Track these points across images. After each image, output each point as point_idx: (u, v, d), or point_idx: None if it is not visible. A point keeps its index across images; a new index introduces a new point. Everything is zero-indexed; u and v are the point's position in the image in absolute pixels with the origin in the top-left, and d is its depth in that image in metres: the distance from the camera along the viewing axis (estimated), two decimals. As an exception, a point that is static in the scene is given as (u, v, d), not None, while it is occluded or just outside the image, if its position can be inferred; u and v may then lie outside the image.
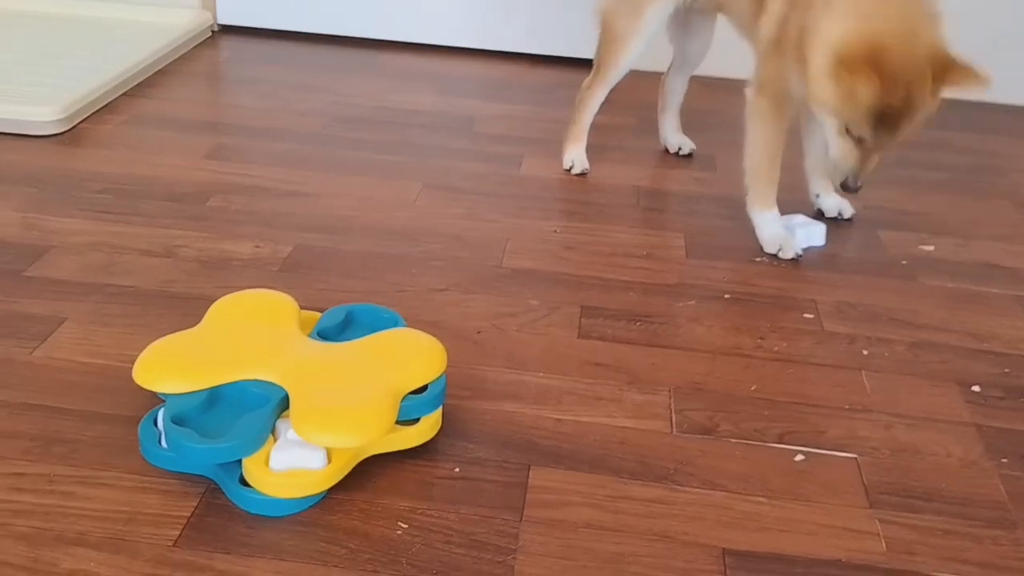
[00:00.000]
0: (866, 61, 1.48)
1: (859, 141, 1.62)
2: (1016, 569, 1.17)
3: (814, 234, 1.89)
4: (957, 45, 2.78)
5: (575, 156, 2.18)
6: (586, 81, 2.15)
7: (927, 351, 1.60)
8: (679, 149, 2.31)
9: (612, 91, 2.69)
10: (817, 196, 2.02)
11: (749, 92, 1.86)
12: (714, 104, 2.51)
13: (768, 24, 1.81)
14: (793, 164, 1.97)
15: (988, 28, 2.74)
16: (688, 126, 2.34)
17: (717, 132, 2.40)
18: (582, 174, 2.17)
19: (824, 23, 1.58)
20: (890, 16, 1.55)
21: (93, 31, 2.74)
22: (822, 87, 1.59)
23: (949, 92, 1.55)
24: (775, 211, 1.87)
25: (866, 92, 1.50)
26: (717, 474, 1.29)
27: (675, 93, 2.28)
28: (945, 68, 1.53)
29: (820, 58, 1.57)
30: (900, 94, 1.52)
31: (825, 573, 1.15)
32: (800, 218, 1.91)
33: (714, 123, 2.46)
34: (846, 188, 1.69)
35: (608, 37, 2.07)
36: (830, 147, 1.69)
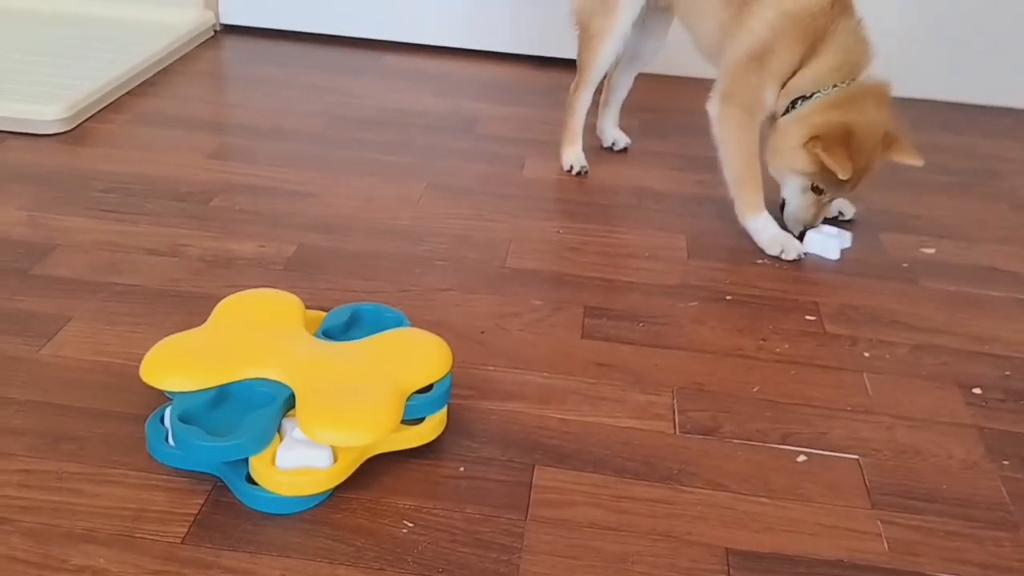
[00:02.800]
0: (842, 143, 1.76)
1: (820, 195, 1.87)
2: (1018, 570, 1.18)
3: (845, 239, 1.93)
4: (959, 51, 2.80)
5: (573, 157, 2.20)
6: (572, 84, 2.18)
7: (928, 353, 1.61)
8: (613, 144, 2.34)
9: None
10: None
11: (714, 106, 1.94)
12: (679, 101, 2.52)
13: (747, 40, 1.86)
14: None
15: (989, 32, 2.76)
16: (689, 128, 2.35)
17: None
18: (581, 173, 2.18)
19: (804, 109, 1.84)
20: (854, 108, 1.81)
21: (96, 30, 2.75)
22: (798, 157, 1.83)
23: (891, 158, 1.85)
24: (766, 214, 1.89)
25: (840, 166, 1.75)
26: (720, 474, 1.30)
27: (619, 89, 2.31)
28: (890, 143, 1.83)
29: (798, 137, 1.82)
30: (862, 163, 1.79)
31: (827, 573, 1.16)
32: (830, 229, 1.94)
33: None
34: (805, 230, 1.91)
35: (585, 38, 2.11)
36: (792, 202, 1.91)
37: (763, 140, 1.94)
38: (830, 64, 1.82)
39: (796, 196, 1.89)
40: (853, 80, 1.82)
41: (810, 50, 1.83)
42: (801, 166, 1.83)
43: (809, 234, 1.89)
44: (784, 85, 1.86)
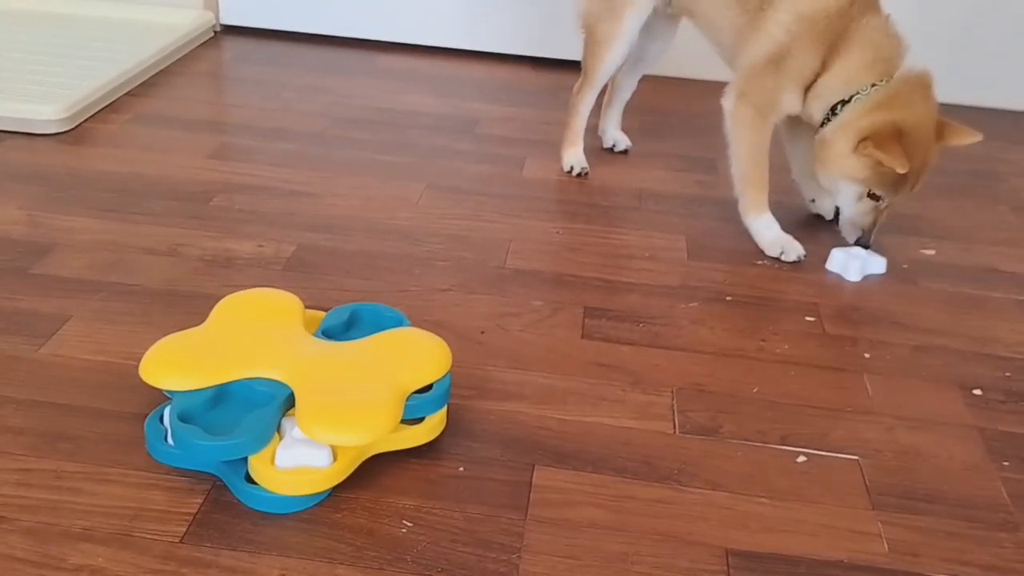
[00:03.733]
0: (894, 139, 1.72)
1: (878, 201, 1.81)
2: (1019, 571, 1.18)
3: (872, 264, 1.86)
4: (959, 53, 2.80)
5: (574, 159, 2.20)
6: (576, 86, 2.18)
7: (929, 354, 1.60)
8: (614, 145, 2.33)
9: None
10: (812, 201, 2.04)
11: (728, 101, 1.91)
12: (714, 107, 2.51)
13: (764, 44, 1.85)
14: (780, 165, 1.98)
15: (990, 35, 2.76)
16: (689, 129, 2.36)
17: (718, 136, 2.40)
18: (582, 174, 2.18)
19: (847, 115, 1.79)
20: (900, 104, 1.77)
21: (96, 30, 2.74)
22: (850, 164, 1.79)
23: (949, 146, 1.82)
24: (769, 215, 1.89)
25: (897, 162, 1.70)
26: (720, 475, 1.30)
27: (623, 90, 2.31)
28: (943, 131, 1.80)
29: (847, 143, 1.78)
30: (918, 160, 1.75)
31: (827, 574, 1.16)
32: (858, 251, 1.87)
33: (715, 127, 2.46)
34: (860, 244, 1.86)
35: (591, 41, 2.11)
36: (849, 210, 1.85)
37: (797, 142, 1.94)
38: (858, 63, 1.78)
39: (851, 203, 1.84)
40: (890, 77, 1.78)
41: (832, 52, 1.79)
42: (855, 172, 1.79)
43: (834, 251, 1.85)
44: (808, 89, 1.83)
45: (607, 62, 2.10)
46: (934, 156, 1.79)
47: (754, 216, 1.90)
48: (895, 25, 1.81)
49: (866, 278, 1.83)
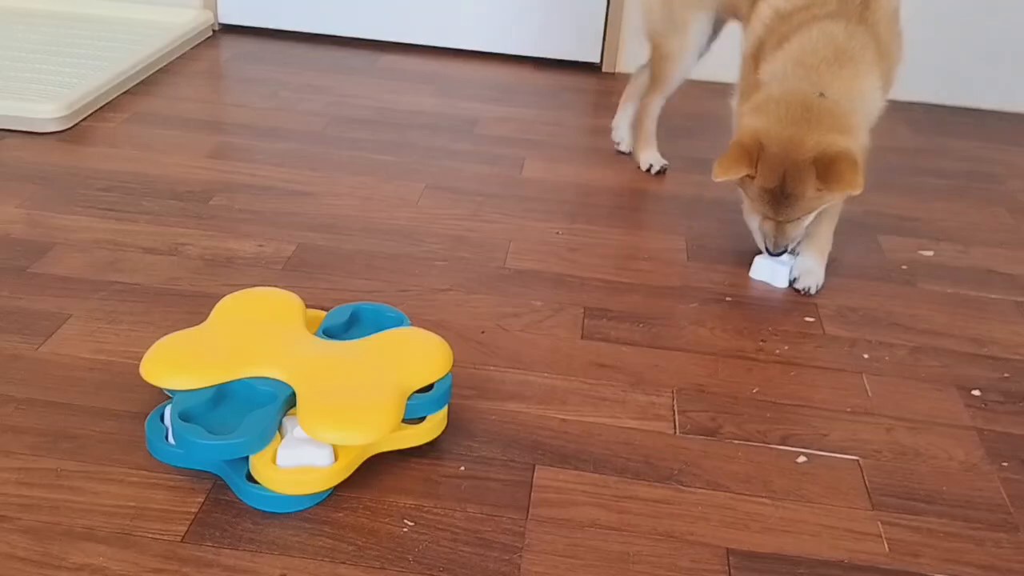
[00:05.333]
0: (747, 152, 1.64)
1: (764, 215, 1.72)
2: (1018, 572, 1.18)
3: (778, 275, 1.79)
4: (958, 55, 2.81)
5: (651, 158, 2.23)
6: (646, 90, 2.20)
7: (928, 355, 1.61)
8: (619, 143, 2.34)
9: (612, 96, 2.71)
10: None
11: (733, 99, 1.91)
12: (714, 108, 2.52)
13: (750, 38, 1.86)
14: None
15: (989, 38, 2.76)
16: (690, 131, 2.36)
17: (718, 137, 2.41)
18: (661, 172, 2.21)
19: (743, 106, 1.72)
20: (782, 121, 1.63)
21: (95, 29, 2.74)
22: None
23: (833, 190, 1.63)
24: None
25: (720, 165, 1.65)
26: (720, 475, 1.30)
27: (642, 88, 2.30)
28: (827, 167, 1.60)
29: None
30: (771, 180, 1.63)
31: (828, 574, 1.16)
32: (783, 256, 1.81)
33: (714, 128, 2.47)
34: (768, 252, 1.76)
35: (659, 55, 2.13)
36: (752, 221, 1.79)
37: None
38: (783, 60, 1.70)
39: (750, 214, 1.78)
40: (812, 88, 1.65)
41: (781, 41, 1.73)
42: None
43: (758, 260, 1.80)
44: None
45: (675, 74, 2.13)
46: (806, 190, 1.63)
47: (754, 216, 1.89)
48: (859, 41, 1.67)
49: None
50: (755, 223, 1.77)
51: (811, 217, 1.72)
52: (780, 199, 1.65)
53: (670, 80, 2.14)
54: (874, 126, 1.73)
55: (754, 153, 1.63)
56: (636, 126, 2.25)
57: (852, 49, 1.66)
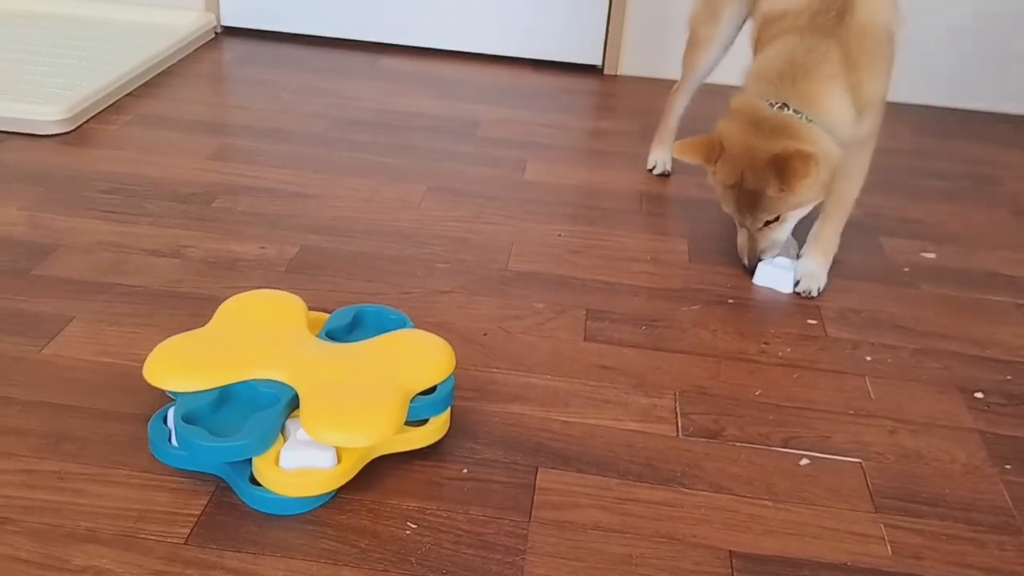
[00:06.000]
0: (706, 148, 1.72)
1: (734, 219, 1.76)
2: (1020, 575, 1.18)
3: (783, 280, 1.79)
4: (960, 58, 2.80)
5: (657, 157, 2.24)
6: (675, 86, 2.21)
7: (930, 357, 1.61)
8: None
9: (614, 98, 2.72)
10: None
11: None
12: (719, 111, 2.52)
13: (752, 38, 1.87)
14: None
15: (991, 41, 2.76)
16: (690, 132, 2.34)
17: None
18: (663, 175, 2.22)
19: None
20: (744, 130, 1.69)
21: (97, 32, 2.75)
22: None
23: (791, 187, 1.65)
24: None
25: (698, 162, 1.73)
26: (723, 477, 1.30)
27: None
28: (783, 165, 1.63)
29: None
30: (733, 178, 1.69)
31: (831, 576, 1.16)
32: (783, 261, 1.81)
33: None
34: (744, 265, 1.80)
35: (691, 42, 2.14)
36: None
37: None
38: (754, 71, 1.74)
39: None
40: (779, 99, 1.67)
41: (756, 54, 1.79)
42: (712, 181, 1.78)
43: (761, 266, 1.79)
44: None
45: (702, 62, 2.13)
46: (765, 188, 1.66)
47: None
48: (830, 60, 1.66)
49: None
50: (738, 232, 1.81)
51: (783, 228, 1.74)
52: (742, 199, 1.70)
53: (696, 68, 2.14)
54: (857, 137, 1.72)
55: (716, 150, 1.70)
56: (662, 122, 2.25)
57: (808, 63, 1.67)
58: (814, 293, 1.76)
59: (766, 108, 1.67)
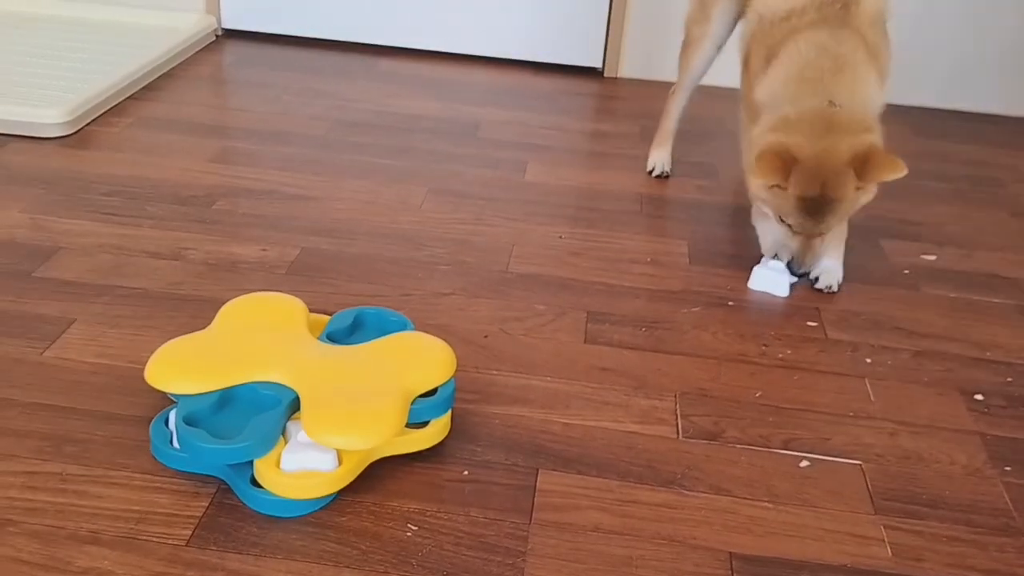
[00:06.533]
0: (779, 163, 1.62)
1: (791, 228, 1.70)
2: None
3: (780, 284, 1.78)
4: (961, 60, 2.81)
5: (656, 159, 2.24)
6: (672, 88, 2.21)
7: (930, 360, 1.61)
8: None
9: (614, 100, 2.73)
10: None
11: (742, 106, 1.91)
12: (716, 113, 2.53)
13: (742, 38, 1.87)
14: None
15: (990, 42, 2.76)
16: (690, 134, 2.36)
17: (719, 141, 2.42)
18: (662, 176, 2.22)
19: (755, 130, 1.71)
20: (810, 136, 1.63)
21: (98, 34, 2.75)
22: (750, 181, 1.72)
23: (875, 182, 1.65)
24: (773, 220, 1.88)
25: (777, 187, 1.64)
26: (723, 479, 1.30)
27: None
28: (864, 163, 1.62)
29: (750, 158, 1.70)
30: (813, 190, 1.62)
31: (831, 578, 1.16)
32: (777, 264, 1.79)
33: (715, 132, 2.48)
34: (791, 270, 1.74)
35: (685, 43, 2.15)
36: (769, 234, 1.79)
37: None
38: (782, 76, 1.71)
39: (775, 225, 1.74)
40: (819, 97, 1.65)
41: (770, 56, 1.75)
42: (756, 191, 1.71)
43: (756, 270, 1.79)
44: None
45: (696, 62, 2.13)
46: (847, 193, 1.63)
47: (762, 220, 1.89)
48: (854, 49, 1.68)
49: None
50: (770, 237, 1.77)
51: (839, 230, 1.76)
52: (821, 207, 1.64)
53: (690, 68, 2.14)
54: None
55: (789, 164, 1.62)
56: (661, 124, 2.25)
57: (845, 54, 1.67)
58: (835, 288, 1.79)
59: (824, 108, 1.64)
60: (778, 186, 1.64)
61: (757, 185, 1.69)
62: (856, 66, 1.68)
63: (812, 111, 1.65)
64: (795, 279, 1.78)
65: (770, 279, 1.78)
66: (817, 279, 1.79)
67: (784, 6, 1.75)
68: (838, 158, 1.62)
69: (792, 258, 1.72)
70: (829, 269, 1.80)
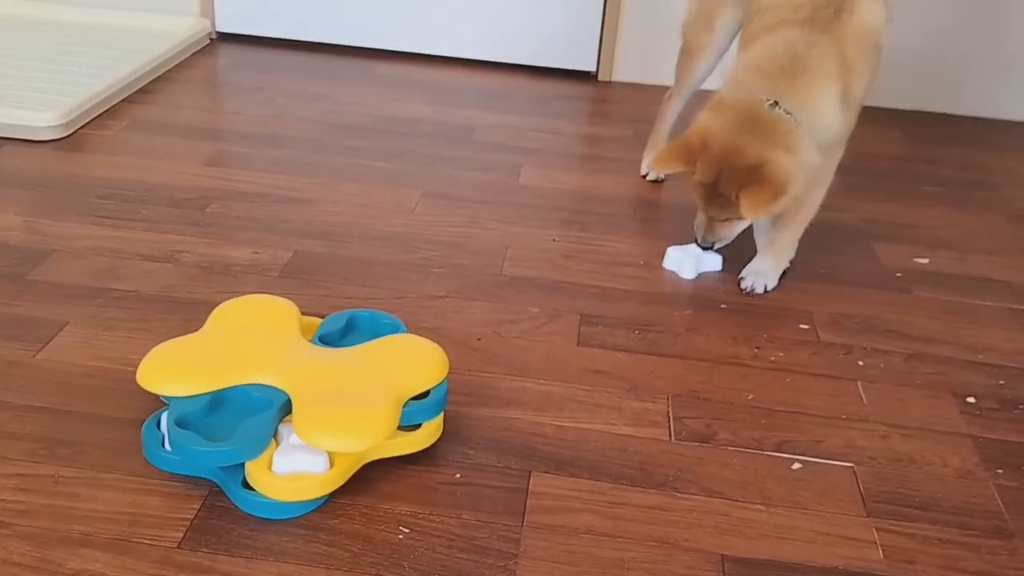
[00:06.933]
0: (690, 150, 1.65)
1: (703, 207, 1.72)
2: (1011, 577, 1.19)
3: (706, 261, 1.83)
4: (958, 63, 2.81)
5: (651, 163, 2.22)
6: (668, 92, 2.20)
7: (922, 362, 1.61)
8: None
9: (608, 104, 2.73)
10: None
11: None
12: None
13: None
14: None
15: (983, 47, 2.77)
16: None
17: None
18: (656, 181, 2.22)
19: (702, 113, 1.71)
20: (730, 127, 1.63)
21: (93, 38, 2.75)
22: None
23: (753, 211, 1.62)
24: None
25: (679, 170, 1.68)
26: (716, 481, 1.30)
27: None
28: (752, 183, 1.59)
29: None
30: (710, 177, 1.64)
31: (823, 580, 1.16)
32: (693, 248, 1.82)
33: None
34: (696, 242, 1.77)
35: (684, 50, 2.13)
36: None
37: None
38: (745, 63, 1.70)
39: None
40: (774, 96, 1.63)
41: (748, 43, 1.76)
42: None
43: (669, 249, 1.83)
44: None
45: (696, 71, 2.12)
46: (735, 194, 1.61)
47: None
48: (820, 53, 1.65)
49: (700, 275, 1.82)
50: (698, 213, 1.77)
51: (742, 224, 1.73)
52: (712, 196, 1.67)
53: (690, 76, 2.14)
54: (835, 141, 1.71)
55: (696, 151, 1.64)
56: (656, 128, 2.24)
57: (810, 59, 1.64)
58: (759, 291, 1.78)
59: (759, 105, 1.62)
60: (692, 173, 1.67)
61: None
62: (815, 74, 1.64)
63: (747, 102, 1.63)
64: (706, 268, 1.82)
65: (677, 259, 1.82)
66: (743, 278, 1.80)
67: None
68: (743, 159, 1.61)
69: (696, 230, 1.76)
70: (759, 271, 1.79)
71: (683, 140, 1.68)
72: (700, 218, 1.74)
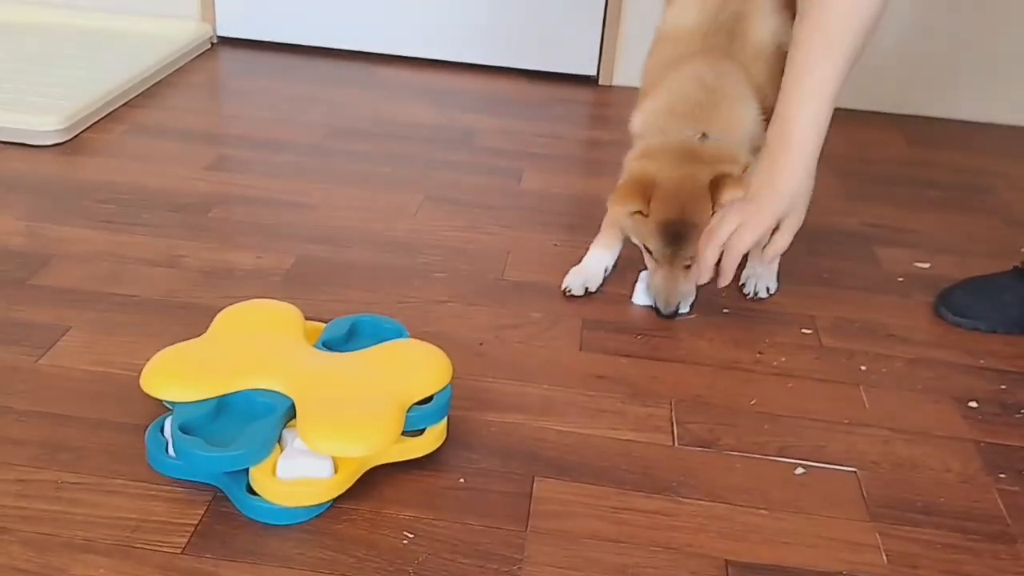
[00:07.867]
0: (639, 189, 1.59)
1: (654, 258, 1.65)
2: (1015, 583, 1.19)
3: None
4: (953, 67, 2.82)
5: None
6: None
7: (924, 367, 1.61)
8: None
9: (609, 108, 2.73)
10: None
11: None
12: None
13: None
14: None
15: (983, 51, 2.78)
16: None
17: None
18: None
19: (628, 157, 1.68)
20: (668, 157, 1.61)
21: (94, 42, 2.75)
22: (613, 210, 1.67)
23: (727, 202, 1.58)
24: None
25: (639, 213, 1.60)
26: (719, 486, 1.30)
27: None
28: (717, 187, 1.57)
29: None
30: (674, 212, 1.59)
31: (827, 585, 1.16)
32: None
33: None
34: (658, 313, 1.68)
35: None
36: (649, 270, 1.70)
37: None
38: (656, 107, 1.67)
39: (648, 262, 1.69)
40: (694, 134, 1.61)
41: (651, 86, 1.72)
42: (617, 218, 1.68)
43: (638, 286, 1.74)
44: None
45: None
46: (705, 218, 1.58)
47: None
48: (733, 80, 1.64)
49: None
50: (652, 275, 1.69)
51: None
52: (681, 232, 1.59)
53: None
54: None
55: (648, 189, 1.59)
56: None
57: (723, 88, 1.63)
58: (762, 294, 1.77)
59: (689, 141, 1.61)
60: (640, 212, 1.61)
61: (619, 213, 1.64)
62: (733, 100, 1.63)
63: (677, 142, 1.62)
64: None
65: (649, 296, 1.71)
66: (744, 283, 1.78)
67: (675, 26, 1.72)
68: (697, 183, 1.58)
69: (656, 297, 1.67)
70: (760, 274, 1.78)
71: (632, 181, 1.61)
72: (656, 280, 1.66)
